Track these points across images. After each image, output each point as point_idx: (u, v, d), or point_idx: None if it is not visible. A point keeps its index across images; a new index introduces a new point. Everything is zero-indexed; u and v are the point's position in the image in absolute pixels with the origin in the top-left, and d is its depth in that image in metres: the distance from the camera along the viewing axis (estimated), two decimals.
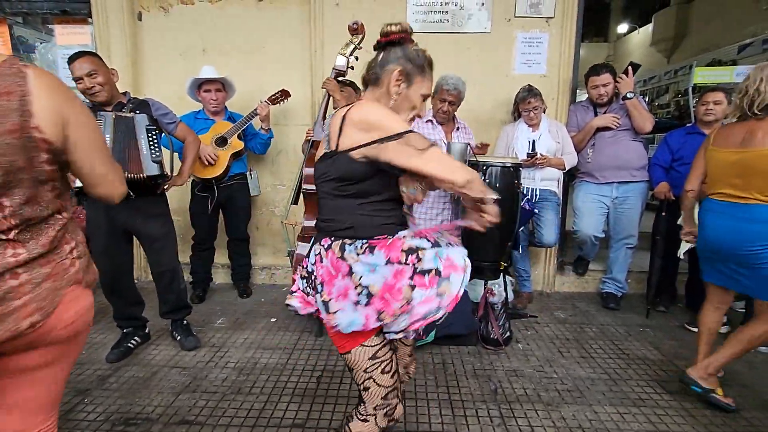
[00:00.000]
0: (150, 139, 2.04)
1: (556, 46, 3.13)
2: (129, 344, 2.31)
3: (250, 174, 3.09)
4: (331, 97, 2.54)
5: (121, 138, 2.02)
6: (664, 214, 2.73)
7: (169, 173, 2.17)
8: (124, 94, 2.19)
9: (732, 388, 2.01)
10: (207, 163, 2.79)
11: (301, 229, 2.36)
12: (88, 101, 2.11)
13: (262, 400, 1.92)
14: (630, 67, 2.84)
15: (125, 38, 3.25)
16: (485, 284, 2.54)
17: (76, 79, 1.99)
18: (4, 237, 0.82)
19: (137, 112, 2.09)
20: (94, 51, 2.11)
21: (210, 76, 2.84)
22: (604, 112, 2.91)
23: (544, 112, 2.90)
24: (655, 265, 2.79)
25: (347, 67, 2.50)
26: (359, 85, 2.82)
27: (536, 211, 2.73)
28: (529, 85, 2.84)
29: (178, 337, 2.40)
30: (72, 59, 1.99)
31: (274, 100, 2.94)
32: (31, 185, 0.84)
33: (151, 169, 2.04)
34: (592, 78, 2.87)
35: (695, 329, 2.60)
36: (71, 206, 0.98)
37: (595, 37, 14.66)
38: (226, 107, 3.02)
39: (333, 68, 2.51)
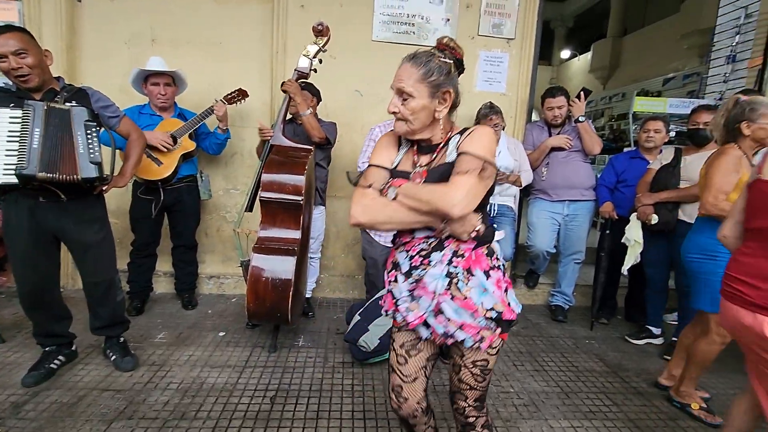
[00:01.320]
0: (88, 135, 1.78)
1: (515, 67, 3.26)
2: (51, 365, 2.02)
3: (201, 176, 2.87)
4: (291, 100, 2.44)
5: (54, 133, 1.75)
6: (608, 232, 2.90)
7: (109, 174, 1.91)
8: (57, 79, 1.92)
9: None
10: (163, 149, 2.55)
11: (257, 240, 2.22)
12: (9, 84, 1.84)
13: (210, 426, 1.76)
14: (582, 93, 3.00)
15: (60, 20, 2.92)
16: None
17: (0, 57, 1.71)
18: None
19: (73, 102, 1.85)
20: (17, 26, 1.81)
21: (159, 69, 2.61)
22: (558, 133, 3.05)
23: (504, 129, 2.99)
24: (600, 280, 2.95)
25: (310, 70, 2.42)
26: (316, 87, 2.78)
27: (494, 225, 2.78)
28: (490, 102, 2.91)
29: (113, 357, 2.14)
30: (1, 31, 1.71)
31: (230, 99, 2.77)
32: None
33: (87, 171, 1.77)
34: (548, 99, 3.00)
35: (635, 341, 2.80)
36: None
37: (540, 60, 15.63)
38: (175, 103, 2.80)
39: (295, 70, 2.41)
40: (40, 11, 2.90)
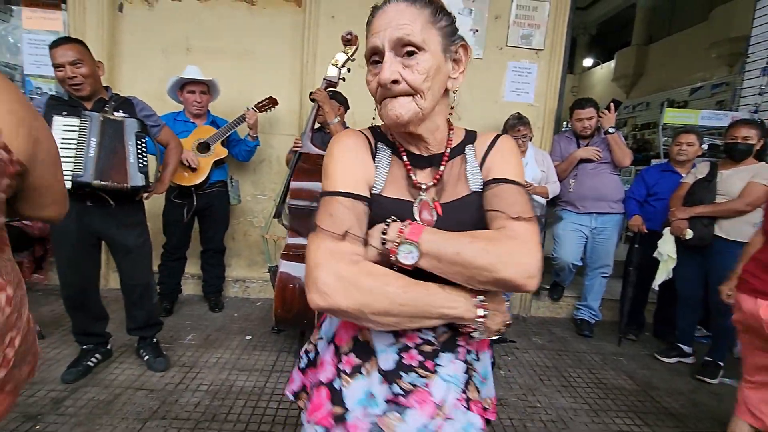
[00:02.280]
0: (139, 146, 1.88)
1: (544, 77, 3.24)
2: (89, 362, 2.09)
3: (231, 182, 2.94)
4: (320, 108, 2.48)
5: (108, 143, 1.84)
6: (637, 246, 2.84)
7: (152, 183, 1.99)
8: (106, 89, 2.01)
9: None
10: (189, 168, 2.63)
11: (284, 246, 2.26)
12: (62, 93, 1.93)
13: (240, 429, 1.79)
14: (612, 104, 2.97)
15: (103, 29, 3.04)
16: None
17: (57, 66, 1.81)
18: None
19: (120, 111, 1.93)
20: (75, 39, 1.90)
21: (196, 77, 2.70)
22: (587, 145, 3.02)
23: (531, 140, 2.97)
24: (628, 295, 2.89)
25: (338, 79, 2.46)
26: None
27: None
28: (518, 113, 2.90)
29: (146, 357, 2.20)
30: (56, 44, 1.82)
31: (261, 107, 2.84)
32: None
33: (136, 180, 1.86)
34: (577, 111, 2.98)
35: (666, 359, 2.72)
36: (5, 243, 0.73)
37: None
38: (209, 111, 2.88)
39: (324, 79, 2.45)
40: (84, 22, 3.02)
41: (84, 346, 2.14)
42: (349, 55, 2.45)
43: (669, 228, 2.58)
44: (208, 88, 2.77)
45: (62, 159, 1.74)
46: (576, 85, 15.33)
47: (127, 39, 3.15)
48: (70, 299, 2.03)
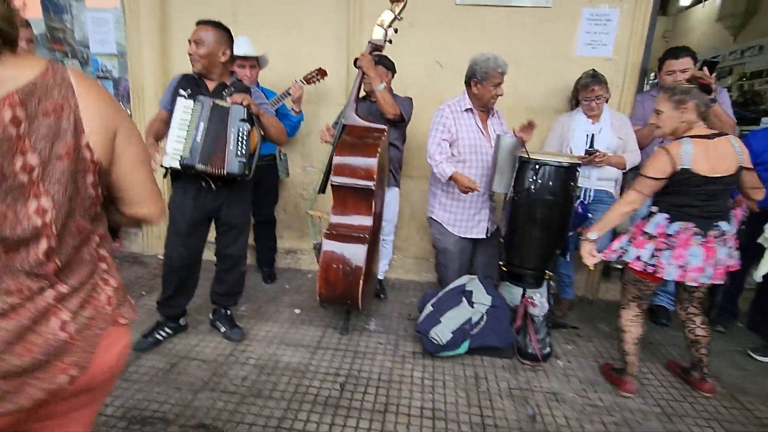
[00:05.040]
0: (240, 133, 1.88)
1: (627, 25, 2.74)
2: (158, 335, 2.22)
3: (280, 156, 2.91)
4: (364, 76, 2.30)
5: (213, 128, 1.89)
6: (743, 226, 2.38)
7: (248, 173, 1.98)
8: (231, 74, 2.11)
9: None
10: None
11: (328, 225, 2.19)
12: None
13: (283, 407, 1.82)
14: (706, 67, 2.42)
15: (154, 4, 3.06)
16: (524, 292, 2.32)
17: (189, 41, 1.96)
18: (48, 281, 0.71)
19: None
20: (219, 22, 1.99)
21: (247, 53, 2.61)
22: (701, 67, 2.52)
23: (607, 101, 2.57)
24: (724, 283, 2.48)
25: (385, 41, 2.25)
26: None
27: (590, 215, 2.45)
28: (593, 70, 2.50)
29: (222, 329, 2.32)
30: (197, 23, 1.98)
31: (309, 79, 2.73)
32: (78, 214, 0.72)
33: (232, 167, 1.89)
34: (669, 62, 2.49)
35: (762, 358, 2.34)
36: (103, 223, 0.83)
37: None
38: (258, 83, 2.82)
39: (369, 42, 2.26)
40: None
41: (160, 318, 2.27)
42: (396, 13, 2.22)
43: None
44: (257, 61, 2.70)
45: (176, 139, 1.87)
46: (669, 29, 13.29)
47: (175, 10, 3.14)
48: (176, 273, 2.16)
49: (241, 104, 1.88)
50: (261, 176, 2.80)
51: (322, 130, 2.49)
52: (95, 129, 0.71)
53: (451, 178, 2.26)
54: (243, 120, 1.89)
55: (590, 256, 1.89)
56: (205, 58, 1.95)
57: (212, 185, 2.03)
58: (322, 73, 2.76)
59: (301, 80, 2.71)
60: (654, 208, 1.89)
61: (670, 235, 1.81)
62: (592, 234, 1.88)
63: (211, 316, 2.39)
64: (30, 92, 0.64)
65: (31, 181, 0.65)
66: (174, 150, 1.89)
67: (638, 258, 1.85)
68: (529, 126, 2.30)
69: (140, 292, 2.81)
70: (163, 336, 2.23)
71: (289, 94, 2.69)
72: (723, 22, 9.99)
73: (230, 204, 2.13)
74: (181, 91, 1.94)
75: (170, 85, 2.07)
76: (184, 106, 1.91)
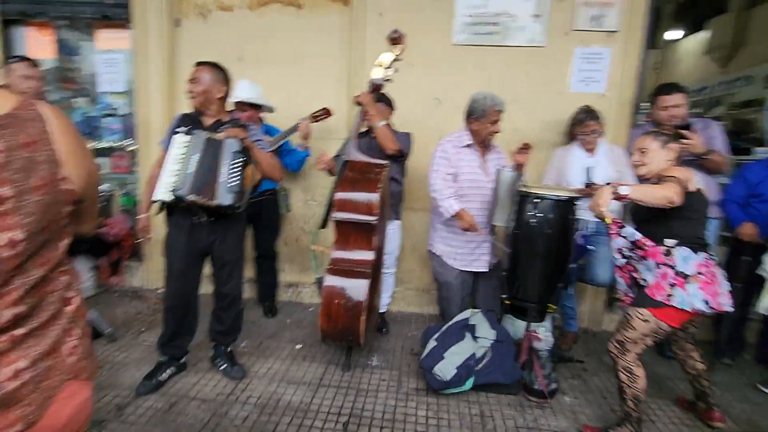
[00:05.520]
0: (233, 166, 1.91)
1: (618, 63, 2.85)
2: (161, 377, 2.17)
3: (281, 191, 2.95)
4: (366, 113, 2.37)
5: (207, 161, 1.91)
6: (748, 258, 2.39)
7: (242, 204, 1.99)
8: (230, 112, 2.18)
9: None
10: None
11: (330, 260, 2.19)
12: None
13: None
14: (684, 131, 2.42)
15: (163, 44, 3.19)
16: (527, 327, 2.30)
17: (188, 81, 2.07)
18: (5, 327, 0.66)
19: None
20: (216, 63, 2.11)
21: (246, 98, 2.70)
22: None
23: (602, 135, 2.63)
24: (730, 315, 2.47)
25: (383, 80, 2.34)
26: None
27: (591, 247, 2.47)
28: (587, 105, 2.58)
29: (223, 366, 2.29)
30: (196, 64, 2.09)
31: (316, 117, 2.82)
32: (51, 243, 0.73)
33: (223, 198, 1.89)
34: (663, 98, 2.56)
35: None
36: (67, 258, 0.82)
37: None
38: (261, 119, 2.89)
39: (369, 81, 2.35)
40: (147, 38, 3.18)
41: (161, 358, 2.23)
42: (396, 55, 2.32)
43: None
44: (259, 106, 2.79)
45: (170, 172, 1.89)
46: (659, 61, 13.73)
47: (184, 51, 3.27)
48: (171, 309, 2.16)
49: (235, 138, 1.92)
50: (262, 210, 2.86)
51: (318, 158, 2.54)
52: (71, 162, 0.72)
53: (456, 214, 2.29)
54: (237, 152, 1.92)
55: (605, 203, 1.68)
56: (202, 94, 2.03)
57: (204, 219, 2.02)
58: (327, 112, 2.85)
59: (308, 118, 2.79)
60: (671, 242, 1.72)
61: (700, 271, 1.68)
62: (625, 189, 1.66)
63: (213, 353, 2.36)
64: (6, 124, 0.65)
65: (4, 212, 0.63)
66: (166, 184, 1.90)
67: (707, 301, 1.65)
68: (525, 148, 2.36)
69: (140, 329, 2.78)
70: (165, 377, 2.19)
71: (295, 130, 2.76)
72: (711, 54, 10.33)
73: (224, 239, 2.12)
74: (179, 129, 1.98)
75: (171, 125, 2.13)
76: (179, 141, 1.95)
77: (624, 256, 1.81)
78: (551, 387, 2.20)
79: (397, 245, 2.83)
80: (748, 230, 2.41)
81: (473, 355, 2.18)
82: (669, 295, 1.66)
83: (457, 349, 2.20)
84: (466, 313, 2.41)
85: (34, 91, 2.40)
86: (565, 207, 2.21)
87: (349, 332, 2.14)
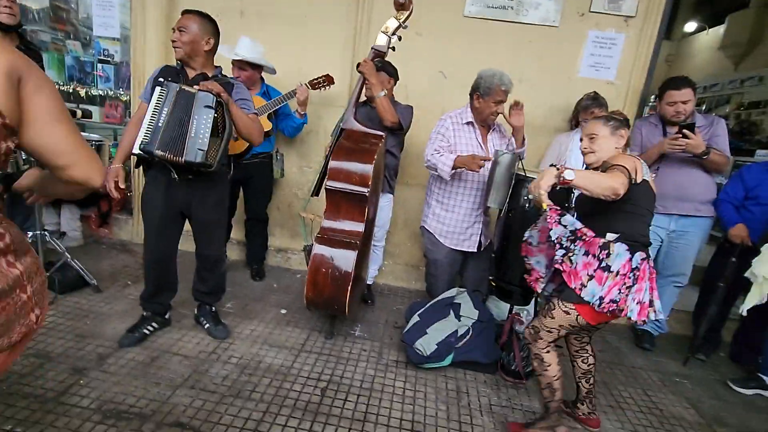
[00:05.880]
0: (204, 121, 1.80)
1: (632, 50, 2.77)
2: (145, 330, 2.18)
3: (276, 155, 2.90)
4: (366, 81, 2.30)
5: (177, 114, 1.81)
6: (734, 259, 2.40)
7: (214, 162, 1.88)
8: (217, 68, 2.05)
9: None
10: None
11: (320, 229, 2.17)
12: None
13: (261, 410, 1.80)
14: (686, 131, 2.36)
15: None
16: (510, 309, 2.33)
17: (173, 29, 1.93)
18: None
19: None
20: (205, 13, 1.97)
21: (245, 54, 2.59)
22: (676, 133, 2.56)
23: None
24: (710, 313, 2.51)
25: (388, 48, 2.26)
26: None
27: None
28: (595, 92, 2.53)
29: (206, 325, 2.29)
30: (183, 12, 1.95)
31: (315, 84, 2.72)
32: None
33: (191, 155, 1.79)
34: (670, 92, 2.50)
35: (741, 390, 2.37)
36: None
37: None
38: (263, 79, 2.80)
39: (372, 48, 2.27)
40: None
41: (145, 313, 2.23)
42: (401, 21, 2.22)
43: None
44: (260, 67, 2.69)
45: (145, 126, 1.80)
46: (672, 54, 13.44)
47: (185, 2, 3.11)
48: (152, 267, 2.13)
49: (210, 92, 1.80)
50: (252, 173, 2.81)
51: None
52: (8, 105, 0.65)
53: (456, 163, 2.25)
54: (208, 107, 1.79)
55: (546, 187, 1.46)
56: (188, 44, 1.92)
57: (177, 176, 1.94)
58: (329, 80, 2.75)
59: (306, 84, 2.70)
60: (611, 236, 1.58)
61: (634, 269, 1.54)
62: (570, 173, 1.44)
63: (195, 311, 2.37)
64: None
65: None
66: (139, 138, 1.82)
67: (612, 301, 1.52)
68: (517, 106, 2.31)
69: (126, 282, 2.78)
70: (149, 331, 2.20)
71: (294, 95, 2.68)
72: (725, 50, 10.12)
73: (202, 199, 2.04)
74: (160, 80, 1.86)
75: (151, 76, 2.02)
76: (155, 93, 1.85)
77: (563, 247, 1.59)
78: (528, 369, 2.24)
79: (388, 219, 2.81)
80: (738, 232, 2.41)
81: (455, 332, 2.21)
82: (582, 286, 1.54)
83: (440, 325, 2.22)
84: (452, 292, 2.43)
85: (7, 12, 2.25)
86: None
87: (335, 302, 2.15)
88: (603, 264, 1.54)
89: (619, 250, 1.55)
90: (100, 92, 3.46)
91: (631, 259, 1.54)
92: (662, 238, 2.67)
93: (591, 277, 1.54)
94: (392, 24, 2.21)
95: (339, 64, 2.98)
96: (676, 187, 2.54)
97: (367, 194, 2.09)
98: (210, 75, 2.00)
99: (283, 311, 2.68)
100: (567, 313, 1.64)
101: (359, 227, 2.15)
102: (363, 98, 2.48)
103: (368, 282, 2.92)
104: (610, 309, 1.52)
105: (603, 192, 1.48)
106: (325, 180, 2.14)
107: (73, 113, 2.49)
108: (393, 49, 2.28)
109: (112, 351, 2.06)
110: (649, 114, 2.90)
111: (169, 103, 1.81)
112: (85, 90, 3.46)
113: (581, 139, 1.75)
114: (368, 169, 2.09)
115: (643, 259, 1.56)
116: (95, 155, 0.81)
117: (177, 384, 1.89)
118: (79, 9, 3.40)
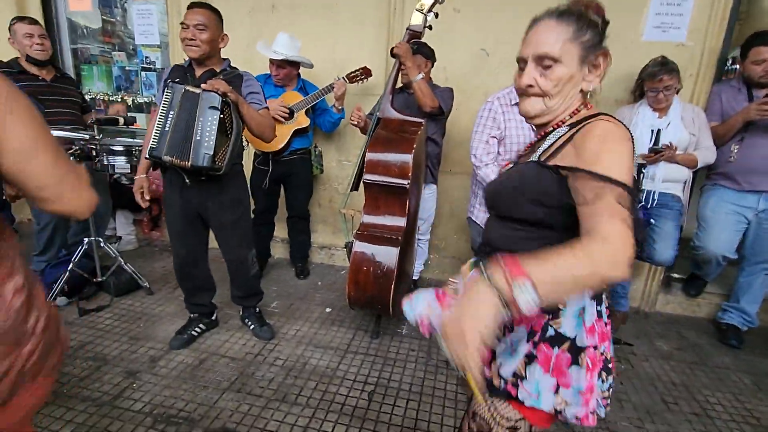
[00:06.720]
0: (209, 122, 1.73)
1: (705, 6, 2.40)
2: (193, 332, 2.20)
3: (315, 151, 2.83)
4: (402, 65, 2.15)
5: (182, 117, 1.75)
6: None
7: (222, 164, 1.80)
8: (225, 60, 1.97)
9: None
10: (280, 120, 2.53)
11: (359, 225, 2.07)
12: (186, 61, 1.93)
13: (307, 414, 1.74)
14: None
15: None
16: None
17: (184, 25, 1.79)
18: None
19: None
20: (209, 4, 1.86)
21: (281, 51, 2.52)
22: (766, 96, 2.19)
23: (678, 93, 2.27)
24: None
25: (424, 27, 2.09)
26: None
27: (652, 221, 2.19)
28: (663, 57, 2.21)
29: (251, 326, 2.28)
30: (191, 6, 1.82)
31: (352, 78, 2.62)
32: None
33: (197, 159, 1.73)
34: (758, 49, 2.14)
35: None
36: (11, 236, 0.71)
37: None
38: (299, 75, 2.73)
39: (407, 29, 2.12)
40: None
41: (192, 315, 2.25)
42: None
43: None
44: (298, 63, 2.62)
45: (154, 130, 1.75)
46: (744, 11, 12.01)
47: (216, 2, 3.10)
48: (178, 270, 2.14)
49: (216, 91, 1.70)
50: (293, 170, 2.76)
51: (353, 111, 2.35)
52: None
53: None
54: (213, 108, 1.70)
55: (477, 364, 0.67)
56: (208, 44, 1.81)
57: (188, 179, 1.87)
58: (366, 72, 2.64)
59: (344, 78, 2.60)
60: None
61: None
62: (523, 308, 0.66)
63: (240, 312, 2.36)
64: None
65: None
66: (149, 144, 1.78)
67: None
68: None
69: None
70: (197, 332, 2.22)
71: (330, 90, 2.59)
72: None
73: (217, 201, 1.96)
74: (168, 82, 1.78)
75: (162, 78, 1.94)
76: (163, 96, 1.78)
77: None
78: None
79: (432, 210, 2.66)
80: None
81: None
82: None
83: None
84: None
85: (38, 50, 2.36)
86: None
87: (378, 301, 2.05)
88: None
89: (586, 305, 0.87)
90: (146, 99, 3.57)
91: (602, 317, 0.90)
92: (749, 220, 2.32)
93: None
94: (427, 1, 2.05)
95: (375, 49, 2.85)
96: (766, 160, 2.19)
97: (407, 186, 1.96)
98: (218, 70, 1.91)
99: (328, 310, 2.62)
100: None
101: (401, 222, 2.03)
102: (399, 84, 2.33)
103: (414, 277, 2.79)
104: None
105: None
106: (363, 173, 2.03)
107: (117, 121, 2.54)
108: (430, 27, 2.11)
109: (163, 353, 2.09)
110: (730, 78, 2.51)
111: (175, 106, 1.74)
112: (131, 98, 3.58)
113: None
114: (407, 159, 1.95)
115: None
116: (83, 184, 0.73)
117: (224, 387, 1.88)
118: (126, 20, 3.51)
